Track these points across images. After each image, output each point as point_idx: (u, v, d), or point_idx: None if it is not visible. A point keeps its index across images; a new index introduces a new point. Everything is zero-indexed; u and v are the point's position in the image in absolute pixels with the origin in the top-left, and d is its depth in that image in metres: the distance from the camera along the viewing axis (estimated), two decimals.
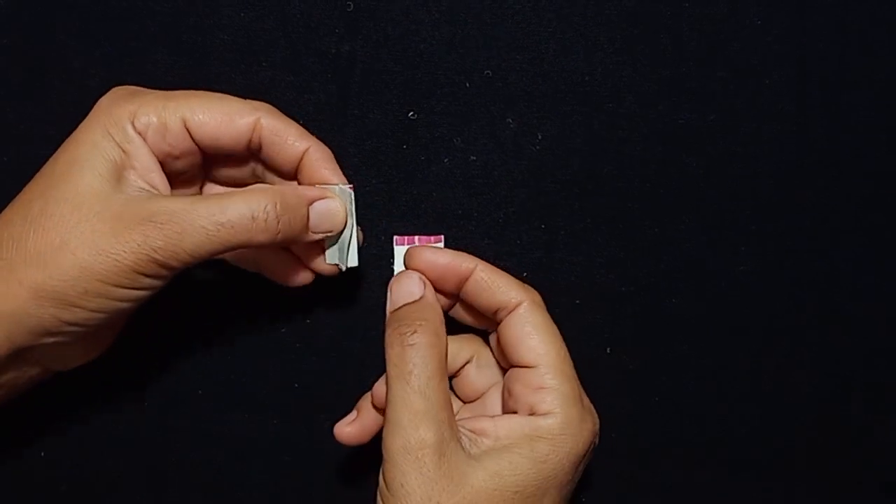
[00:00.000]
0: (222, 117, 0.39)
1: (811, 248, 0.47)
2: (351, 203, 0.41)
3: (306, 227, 0.40)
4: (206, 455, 0.47)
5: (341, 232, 0.41)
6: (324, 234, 0.41)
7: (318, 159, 0.41)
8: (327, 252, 0.42)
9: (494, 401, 0.42)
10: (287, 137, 0.40)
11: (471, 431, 0.38)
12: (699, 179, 0.47)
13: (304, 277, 0.44)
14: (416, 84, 0.46)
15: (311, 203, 0.40)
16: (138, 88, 0.40)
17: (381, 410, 0.41)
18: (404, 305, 0.40)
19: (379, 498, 0.38)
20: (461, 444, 0.37)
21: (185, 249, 0.37)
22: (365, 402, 0.42)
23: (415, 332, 0.38)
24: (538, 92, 0.46)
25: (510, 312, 0.40)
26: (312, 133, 0.46)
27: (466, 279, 0.41)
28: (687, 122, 0.46)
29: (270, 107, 0.41)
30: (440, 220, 0.47)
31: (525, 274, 0.47)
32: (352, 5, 0.46)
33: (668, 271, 0.47)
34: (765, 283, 0.47)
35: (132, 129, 0.38)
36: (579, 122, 0.46)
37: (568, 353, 0.40)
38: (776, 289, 0.47)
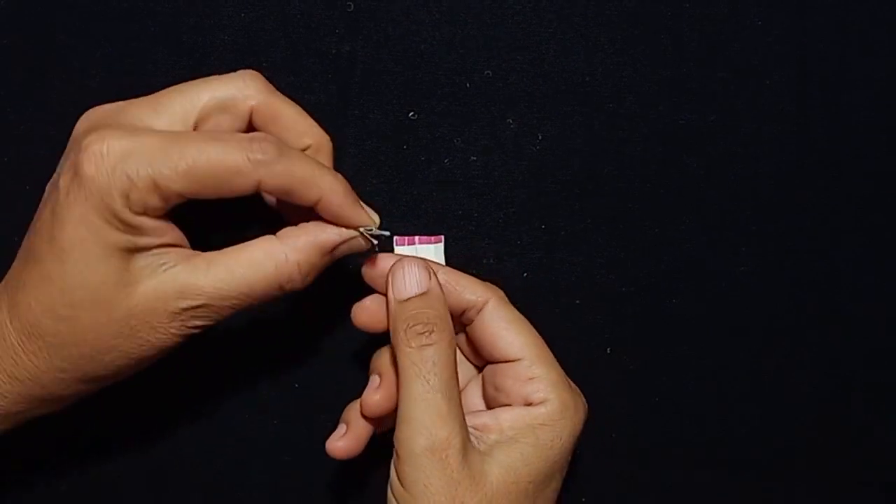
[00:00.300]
0: (218, 184, 0.36)
1: (811, 249, 0.47)
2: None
3: (330, 260, 0.39)
4: (206, 455, 0.47)
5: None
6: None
7: (337, 206, 0.38)
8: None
9: (473, 397, 0.42)
10: (296, 195, 0.37)
11: (474, 428, 0.39)
12: (699, 180, 0.47)
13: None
14: (416, 84, 0.46)
15: (333, 250, 0.38)
16: (111, 120, 0.38)
17: (373, 420, 0.41)
18: (413, 298, 0.39)
19: (392, 498, 0.38)
20: (470, 440, 0.38)
21: (216, 320, 0.38)
22: (353, 413, 0.41)
23: (432, 331, 0.38)
24: (539, 92, 0.46)
25: (479, 311, 0.40)
26: None
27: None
28: (687, 123, 0.46)
29: (271, 158, 0.36)
30: (440, 220, 0.47)
31: (525, 274, 0.47)
32: (352, 5, 0.46)
33: (669, 271, 0.47)
34: (765, 283, 0.47)
35: (130, 213, 0.35)
36: (580, 122, 0.46)
37: (543, 341, 0.40)
38: (776, 289, 0.47)
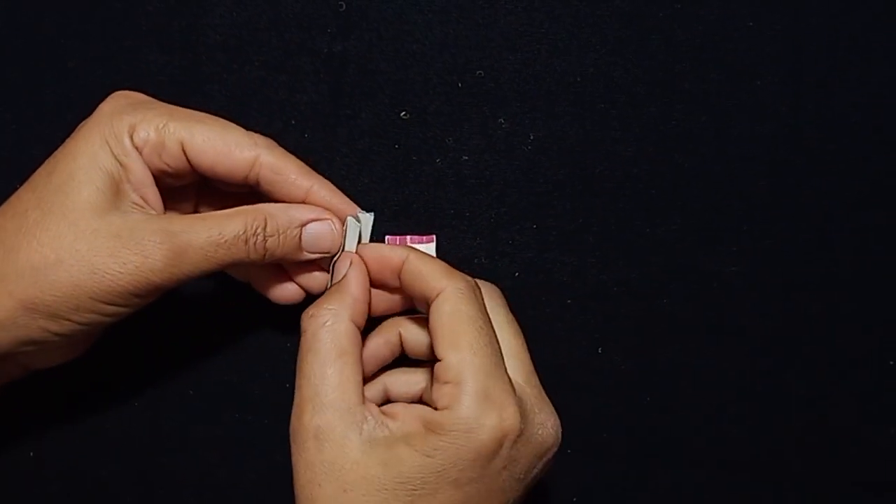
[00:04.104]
0: (221, 148, 0.38)
1: (803, 249, 0.47)
2: (367, 228, 0.41)
3: (299, 247, 0.40)
4: (197, 455, 0.47)
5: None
6: (319, 255, 0.41)
7: (324, 196, 0.40)
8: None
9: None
10: (288, 176, 0.39)
11: (382, 414, 0.38)
12: (691, 180, 0.47)
13: (292, 294, 0.43)
14: (408, 84, 0.46)
15: (303, 224, 0.40)
16: (141, 98, 0.40)
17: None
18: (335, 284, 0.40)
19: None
20: (361, 427, 0.36)
21: (182, 271, 0.37)
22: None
23: (323, 313, 0.38)
24: (530, 92, 0.46)
25: (433, 301, 0.38)
26: (305, 131, 0.46)
27: (401, 269, 0.39)
28: (679, 123, 0.46)
29: (272, 143, 0.40)
30: (432, 220, 0.47)
31: (517, 274, 0.47)
32: (344, 5, 0.46)
33: (660, 272, 0.47)
34: (756, 283, 0.47)
35: (130, 142, 0.37)
36: (571, 122, 0.46)
37: (490, 343, 0.37)
38: (767, 289, 0.47)
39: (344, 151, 0.46)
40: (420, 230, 0.46)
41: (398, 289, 0.41)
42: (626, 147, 0.46)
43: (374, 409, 0.38)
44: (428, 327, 0.39)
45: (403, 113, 0.46)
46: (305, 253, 0.40)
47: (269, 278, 0.43)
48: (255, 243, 0.38)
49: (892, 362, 0.47)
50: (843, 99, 0.47)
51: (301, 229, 0.40)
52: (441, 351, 0.37)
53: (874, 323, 0.47)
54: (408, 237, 0.44)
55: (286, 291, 0.43)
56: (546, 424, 0.38)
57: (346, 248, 0.41)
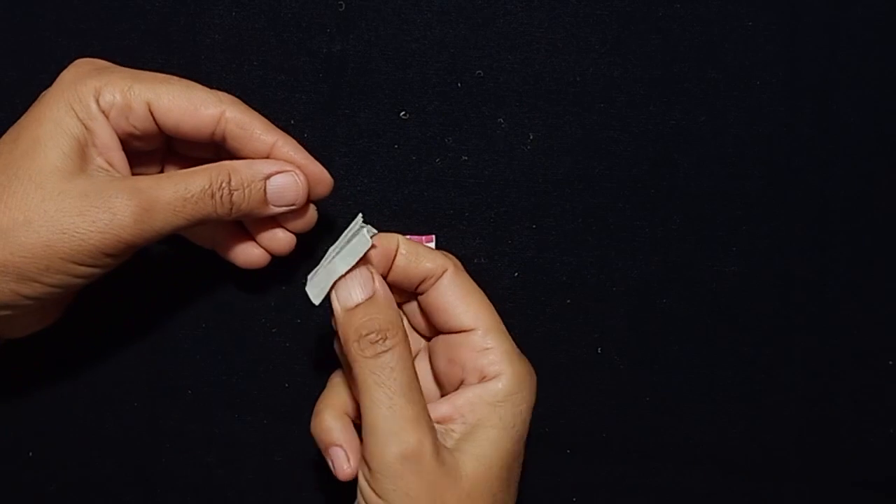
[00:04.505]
0: (187, 106, 0.39)
1: (801, 249, 0.47)
2: (364, 245, 0.37)
3: (264, 200, 0.40)
4: (196, 455, 0.47)
5: (333, 265, 0.38)
6: (286, 208, 0.41)
7: (288, 151, 0.41)
8: (310, 280, 0.39)
9: (422, 372, 0.41)
10: (253, 131, 0.40)
11: (436, 422, 0.38)
12: (690, 180, 0.47)
13: (257, 258, 0.44)
14: (407, 84, 0.46)
15: (267, 177, 0.40)
16: (104, 63, 0.40)
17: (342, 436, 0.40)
18: (360, 305, 0.37)
19: None
20: (439, 437, 0.37)
21: (152, 227, 0.37)
22: (339, 435, 0.40)
23: (385, 336, 0.37)
24: (529, 92, 0.46)
25: (437, 279, 0.40)
26: (304, 131, 0.46)
27: (393, 257, 0.39)
28: (678, 123, 0.47)
29: (236, 99, 0.40)
30: (431, 220, 0.47)
31: (516, 274, 0.47)
32: (343, 5, 0.46)
33: (659, 271, 0.47)
34: (754, 283, 0.47)
35: (96, 106, 0.38)
36: (570, 122, 0.46)
37: (496, 313, 0.40)
38: (766, 289, 0.47)
39: (343, 151, 0.46)
40: (419, 230, 0.46)
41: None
42: (625, 147, 0.46)
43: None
44: (423, 304, 0.40)
45: (403, 113, 0.46)
46: (272, 206, 0.41)
47: (234, 242, 0.44)
48: (220, 197, 0.39)
49: (891, 362, 0.47)
50: (841, 99, 0.47)
51: (265, 182, 0.40)
52: (467, 321, 0.39)
53: (874, 323, 0.47)
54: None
55: (251, 255, 0.44)
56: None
57: (348, 255, 0.38)
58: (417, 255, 0.40)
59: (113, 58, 0.46)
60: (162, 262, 0.47)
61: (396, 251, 0.39)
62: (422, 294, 0.41)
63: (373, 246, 0.38)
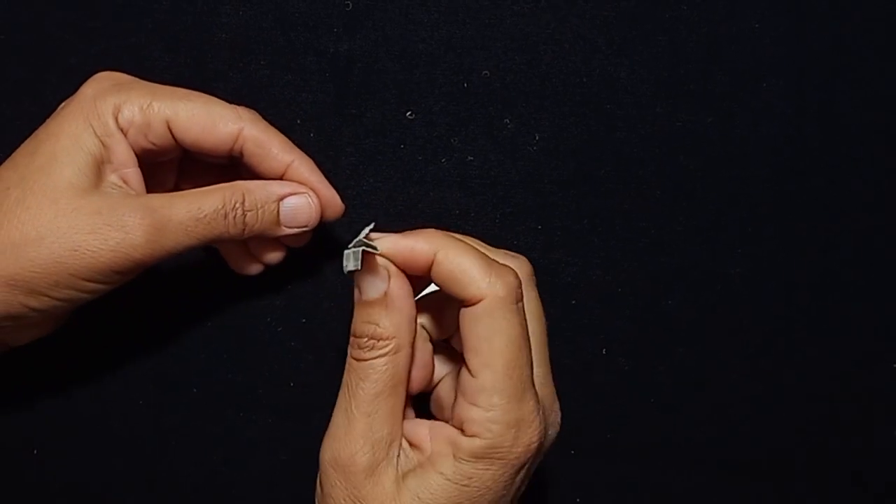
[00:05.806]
0: (206, 123, 0.39)
1: (807, 251, 0.47)
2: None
3: (277, 222, 0.40)
4: (201, 454, 0.47)
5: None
6: (298, 229, 0.41)
7: (303, 172, 0.41)
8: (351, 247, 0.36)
9: (448, 385, 0.40)
10: (270, 149, 0.40)
11: (408, 443, 0.37)
12: (696, 181, 0.47)
13: (253, 268, 0.44)
14: (414, 84, 0.46)
15: (281, 199, 0.40)
16: (125, 77, 0.40)
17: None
18: (373, 303, 0.36)
19: (316, 499, 0.38)
20: (397, 461, 0.36)
21: (164, 246, 0.37)
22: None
23: (373, 346, 0.36)
24: (536, 93, 0.46)
25: (469, 306, 0.35)
26: (311, 131, 0.46)
27: (430, 265, 0.36)
28: (684, 125, 0.47)
29: (256, 116, 0.40)
30: (437, 220, 0.47)
31: None
32: (350, 4, 0.46)
33: (665, 272, 0.47)
34: (760, 284, 0.47)
35: (114, 123, 0.38)
36: (577, 123, 0.46)
37: (525, 358, 0.35)
38: (772, 291, 0.47)
39: (349, 151, 0.46)
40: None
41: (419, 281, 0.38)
42: (631, 148, 0.46)
43: (403, 439, 0.37)
44: (447, 313, 0.38)
45: (409, 113, 0.46)
46: (284, 228, 0.41)
47: (235, 251, 0.44)
48: (234, 218, 0.39)
49: (894, 364, 0.47)
50: (847, 101, 0.47)
51: (279, 204, 0.40)
52: (474, 366, 0.35)
53: (876, 325, 0.47)
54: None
55: (249, 265, 0.44)
56: (556, 423, 0.39)
57: (353, 257, 0.36)
58: (452, 274, 0.35)
59: (119, 57, 0.46)
60: (168, 262, 0.47)
61: (434, 259, 0.36)
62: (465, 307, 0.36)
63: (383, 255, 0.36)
